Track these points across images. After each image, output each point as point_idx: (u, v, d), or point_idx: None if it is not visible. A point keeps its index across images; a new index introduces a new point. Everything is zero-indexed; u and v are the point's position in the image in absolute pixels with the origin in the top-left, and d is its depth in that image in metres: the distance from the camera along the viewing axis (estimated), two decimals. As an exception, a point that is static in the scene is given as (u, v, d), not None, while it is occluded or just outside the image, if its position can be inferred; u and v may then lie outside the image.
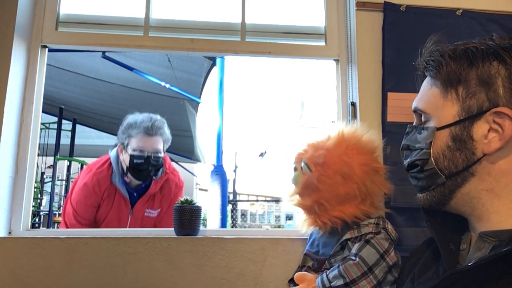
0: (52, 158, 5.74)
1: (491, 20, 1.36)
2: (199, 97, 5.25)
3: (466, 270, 0.63)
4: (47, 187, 7.01)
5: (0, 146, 1.20)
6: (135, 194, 1.84)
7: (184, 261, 1.19)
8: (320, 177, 0.99)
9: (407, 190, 1.19)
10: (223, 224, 4.27)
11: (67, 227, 1.81)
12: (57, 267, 1.17)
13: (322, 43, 1.44)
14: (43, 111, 1.35)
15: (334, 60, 1.43)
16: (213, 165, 4.56)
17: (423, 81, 0.82)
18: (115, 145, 1.87)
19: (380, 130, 1.27)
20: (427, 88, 0.78)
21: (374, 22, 1.35)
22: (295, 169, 1.06)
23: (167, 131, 1.85)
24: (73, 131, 6.10)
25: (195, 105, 5.56)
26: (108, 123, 5.76)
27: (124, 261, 1.18)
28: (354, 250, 0.96)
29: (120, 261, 1.18)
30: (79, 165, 5.73)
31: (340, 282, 0.92)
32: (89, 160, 2.55)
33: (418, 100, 0.80)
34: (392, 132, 1.26)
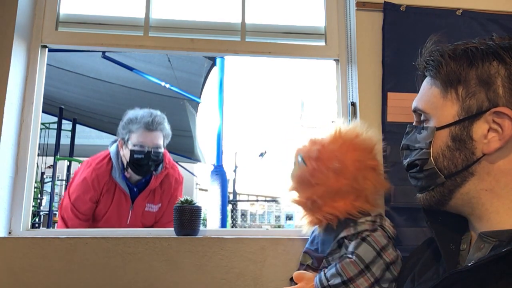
0: (52, 158, 5.74)
1: (491, 20, 1.36)
2: (199, 97, 5.25)
3: (466, 270, 0.63)
4: (47, 187, 7.01)
5: (0, 146, 1.20)
6: (135, 189, 1.85)
7: (184, 261, 1.19)
8: (313, 171, 1.01)
9: (407, 190, 1.19)
10: (223, 224, 4.27)
11: (63, 220, 1.81)
12: (57, 267, 1.17)
13: (322, 43, 1.44)
14: (43, 111, 1.35)
15: (334, 60, 1.43)
16: (213, 165, 4.56)
17: (423, 81, 0.82)
18: (115, 141, 1.87)
19: (380, 130, 1.27)
20: (427, 88, 0.78)
21: (374, 22, 1.35)
22: (295, 163, 1.08)
23: (167, 126, 1.86)
24: (73, 131, 6.10)
25: (195, 105, 5.56)
26: (108, 123, 5.76)
27: (124, 261, 1.18)
28: (350, 248, 0.96)
29: (120, 261, 1.18)
30: (79, 165, 5.72)
31: (337, 280, 0.92)
32: (89, 160, 2.54)
33: (418, 100, 0.80)
34: (392, 132, 1.26)
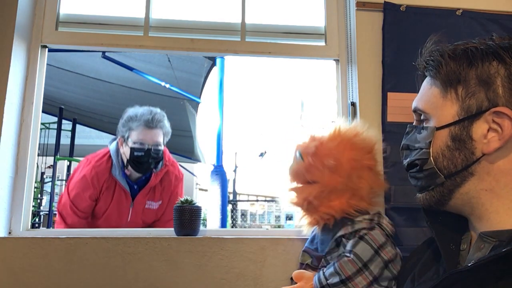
0: (52, 158, 5.74)
1: (491, 20, 1.36)
2: (199, 97, 5.25)
3: (466, 271, 0.63)
4: (47, 187, 7.01)
5: (0, 146, 1.20)
6: (135, 187, 1.85)
7: (184, 261, 1.19)
8: (309, 166, 1.02)
9: (407, 190, 1.19)
10: (223, 224, 4.27)
11: (61, 217, 1.81)
12: (57, 267, 1.17)
13: (322, 43, 1.44)
14: (43, 111, 1.35)
15: (334, 60, 1.43)
16: (213, 165, 4.56)
17: (423, 81, 0.82)
18: (114, 139, 1.88)
19: (380, 130, 1.27)
20: (427, 88, 0.78)
21: (374, 22, 1.35)
22: (293, 158, 1.08)
23: (167, 124, 1.86)
24: (73, 131, 6.10)
25: (195, 105, 5.56)
26: (108, 123, 5.76)
27: (124, 261, 1.18)
28: (348, 246, 0.97)
29: (120, 261, 1.18)
30: (79, 163, 5.72)
31: (336, 279, 0.93)
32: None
33: (418, 100, 0.80)
34: (392, 132, 1.26)
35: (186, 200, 1.27)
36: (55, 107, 5.52)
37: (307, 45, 1.44)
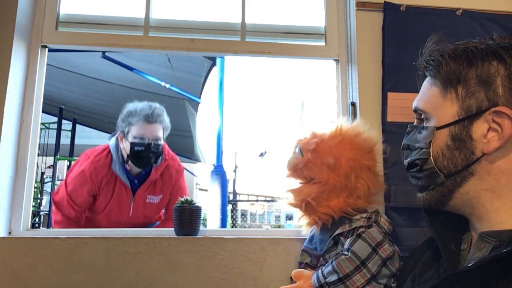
0: (52, 158, 5.74)
1: (491, 20, 1.36)
2: (199, 97, 5.25)
3: (466, 271, 0.63)
4: (47, 187, 7.02)
5: (0, 146, 1.20)
6: (136, 182, 1.86)
7: (184, 261, 1.19)
8: (308, 162, 1.02)
9: (407, 190, 1.19)
10: (223, 224, 4.27)
11: (58, 208, 1.82)
12: (57, 267, 1.17)
13: (322, 43, 1.44)
14: (43, 111, 1.36)
15: (334, 60, 1.43)
16: (213, 165, 4.56)
17: (423, 80, 0.82)
18: (114, 134, 1.88)
19: (380, 130, 1.27)
20: (427, 88, 0.78)
21: (374, 22, 1.35)
22: (293, 153, 1.08)
23: (166, 119, 1.87)
24: (73, 131, 6.10)
25: (195, 105, 5.56)
26: (108, 123, 5.76)
27: (124, 261, 1.18)
28: (346, 245, 0.97)
29: (120, 261, 1.18)
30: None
31: (334, 277, 0.93)
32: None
33: (418, 100, 0.80)
34: (392, 132, 1.26)
35: (186, 200, 1.27)
36: (55, 107, 5.53)
37: (307, 45, 1.44)
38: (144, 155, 1.78)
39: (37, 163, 4.12)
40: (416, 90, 0.83)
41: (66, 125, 6.08)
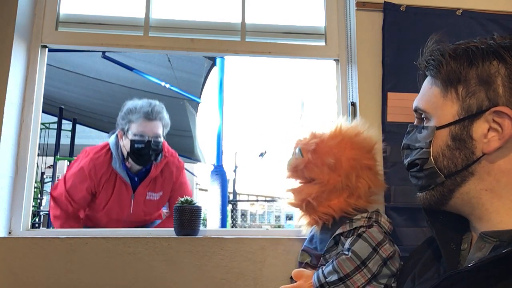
0: (52, 158, 5.74)
1: (491, 20, 1.37)
2: (199, 97, 5.25)
3: (466, 271, 0.63)
4: (47, 187, 7.01)
5: (0, 146, 1.20)
6: (136, 179, 1.87)
7: (184, 261, 1.19)
8: (308, 163, 1.02)
9: (407, 190, 1.19)
10: (223, 224, 4.27)
11: (56, 204, 1.82)
12: (57, 267, 1.17)
13: (322, 43, 1.44)
14: (43, 111, 1.36)
15: (334, 60, 1.43)
16: (213, 165, 4.57)
17: (424, 80, 0.82)
18: (113, 132, 1.89)
19: (380, 130, 1.27)
20: (428, 88, 0.78)
21: (374, 22, 1.35)
22: (293, 153, 1.08)
23: (166, 116, 1.88)
24: (73, 131, 6.10)
25: (195, 105, 5.56)
26: (108, 123, 5.76)
27: (124, 261, 1.18)
28: (347, 244, 0.97)
29: (120, 261, 1.18)
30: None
31: (334, 277, 0.93)
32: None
33: (418, 100, 0.80)
34: (392, 132, 1.26)
35: (186, 200, 1.27)
36: (55, 107, 5.53)
37: (307, 45, 1.44)
38: (144, 152, 1.79)
39: (37, 163, 4.12)
40: (416, 90, 0.83)
41: (66, 125, 6.08)
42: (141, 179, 1.87)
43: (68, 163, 6.07)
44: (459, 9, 1.36)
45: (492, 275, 0.61)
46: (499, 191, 0.70)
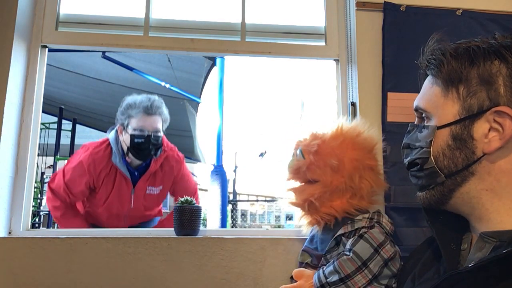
0: (52, 158, 5.74)
1: (491, 20, 1.36)
2: (199, 97, 5.25)
3: (466, 271, 0.63)
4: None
5: (0, 146, 1.20)
6: (136, 173, 1.87)
7: (184, 261, 1.19)
8: (310, 165, 1.01)
9: (407, 190, 1.19)
10: (223, 224, 4.27)
11: (54, 195, 1.83)
12: (57, 267, 1.17)
13: (322, 43, 1.44)
14: (43, 111, 1.36)
15: (334, 60, 1.43)
16: (213, 165, 4.56)
17: (425, 79, 0.81)
18: (113, 128, 1.90)
19: (380, 130, 1.27)
20: (428, 87, 0.78)
21: (374, 22, 1.35)
22: (293, 155, 1.08)
23: (165, 111, 1.89)
24: (73, 131, 6.10)
25: (195, 105, 5.56)
26: (108, 123, 5.74)
27: (124, 261, 1.18)
28: (348, 245, 0.97)
29: (120, 261, 1.18)
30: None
31: (335, 277, 0.93)
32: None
33: (419, 99, 0.80)
34: (392, 132, 1.26)
35: (186, 200, 1.27)
36: (55, 107, 5.53)
37: (307, 45, 1.44)
38: (144, 147, 1.80)
39: (37, 163, 4.13)
40: (416, 90, 0.83)
41: (66, 125, 6.08)
42: (141, 173, 1.88)
43: (68, 163, 6.07)
44: (459, 9, 1.36)
45: (492, 275, 0.61)
46: (499, 191, 0.70)
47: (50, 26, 1.35)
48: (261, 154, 16.43)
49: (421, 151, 0.76)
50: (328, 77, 1.48)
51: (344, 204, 1.00)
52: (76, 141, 6.12)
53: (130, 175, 1.85)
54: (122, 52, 3.97)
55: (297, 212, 1.08)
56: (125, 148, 1.82)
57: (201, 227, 1.27)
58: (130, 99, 1.85)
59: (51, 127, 6.12)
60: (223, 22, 1.44)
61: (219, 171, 4.42)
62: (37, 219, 6.22)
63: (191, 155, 7.31)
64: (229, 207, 13.64)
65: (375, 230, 0.97)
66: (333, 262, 0.96)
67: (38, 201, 6.26)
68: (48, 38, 1.35)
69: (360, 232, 0.97)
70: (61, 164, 6.09)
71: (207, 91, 5.45)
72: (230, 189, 14.35)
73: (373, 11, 1.36)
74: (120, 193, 1.85)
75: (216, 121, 4.67)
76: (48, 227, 5.50)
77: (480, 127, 0.70)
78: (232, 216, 14.34)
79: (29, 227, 1.29)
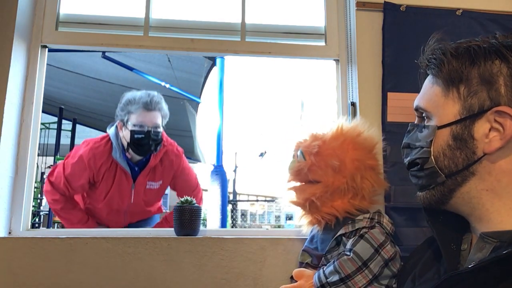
0: (52, 158, 5.74)
1: (491, 20, 1.36)
2: (199, 97, 5.25)
3: (466, 272, 0.63)
4: (47, 187, 6.98)
5: (0, 146, 1.20)
6: (136, 168, 1.88)
7: (184, 261, 1.19)
8: (311, 166, 1.01)
9: (407, 190, 1.19)
10: (223, 224, 4.27)
11: (53, 187, 1.83)
12: (57, 267, 1.16)
13: (322, 43, 1.44)
14: (43, 111, 1.36)
15: (334, 60, 1.43)
16: (213, 165, 4.56)
17: (425, 79, 0.81)
18: (113, 124, 1.90)
19: (380, 130, 1.27)
20: (429, 87, 0.78)
21: (374, 22, 1.35)
22: (294, 156, 1.08)
23: (164, 106, 1.90)
24: (73, 131, 6.10)
25: (195, 105, 5.57)
26: (108, 123, 5.75)
27: (124, 261, 1.18)
28: (348, 245, 0.97)
29: (120, 261, 1.18)
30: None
31: (336, 277, 0.93)
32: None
33: (419, 99, 0.80)
34: (392, 132, 1.26)
35: (186, 200, 1.27)
36: (55, 107, 5.53)
37: (307, 45, 1.44)
38: (144, 142, 1.80)
39: (37, 163, 4.13)
40: (416, 90, 0.83)
41: (66, 125, 6.08)
42: (141, 168, 1.89)
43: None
44: (459, 9, 1.36)
45: (492, 275, 0.61)
46: (499, 191, 0.70)
47: (50, 26, 1.35)
48: (261, 154, 16.43)
49: (422, 151, 0.75)
50: (328, 77, 1.48)
51: (345, 204, 1.00)
52: (76, 141, 6.12)
53: (130, 170, 1.86)
54: (122, 52, 3.97)
55: (298, 212, 1.08)
56: (125, 144, 1.83)
57: (201, 227, 1.27)
58: (130, 95, 1.86)
59: (51, 127, 6.12)
60: (223, 22, 1.44)
61: (219, 171, 4.42)
62: (37, 219, 6.22)
63: (191, 155, 7.31)
64: (229, 207, 13.64)
65: (375, 230, 0.97)
66: (334, 262, 0.96)
67: (38, 201, 6.26)
68: (48, 38, 1.35)
69: (361, 232, 0.97)
70: (61, 164, 6.09)
71: (207, 91, 5.45)
72: (230, 189, 14.35)
73: (373, 11, 1.36)
74: (121, 188, 1.85)
75: (216, 121, 4.68)
76: (48, 227, 5.49)
77: (481, 127, 0.70)
78: (232, 216, 14.34)
79: (29, 227, 1.29)
